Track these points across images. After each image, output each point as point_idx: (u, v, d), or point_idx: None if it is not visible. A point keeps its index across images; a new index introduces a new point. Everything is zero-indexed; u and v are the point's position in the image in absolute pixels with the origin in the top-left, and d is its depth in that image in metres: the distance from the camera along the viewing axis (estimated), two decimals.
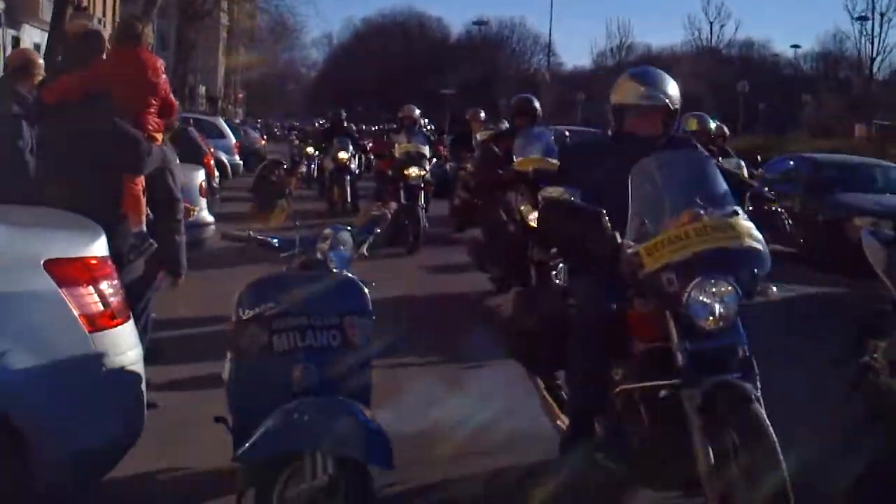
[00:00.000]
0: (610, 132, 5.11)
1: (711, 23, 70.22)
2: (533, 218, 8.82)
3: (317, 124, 38.34)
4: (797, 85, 65.86)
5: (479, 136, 15.57)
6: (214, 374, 4.95)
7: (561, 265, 5.14)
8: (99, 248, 4.15)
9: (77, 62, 6.26)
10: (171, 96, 6.49)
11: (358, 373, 4.19)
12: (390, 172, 15.93)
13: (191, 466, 5.11)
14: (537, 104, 10.66)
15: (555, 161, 9.24)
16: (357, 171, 20.48)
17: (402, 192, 14.70)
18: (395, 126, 18.99)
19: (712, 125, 11.91)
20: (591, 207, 4.32)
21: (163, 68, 6.38)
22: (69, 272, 3.93)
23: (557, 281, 5.12)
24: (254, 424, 3.90)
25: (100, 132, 5.79)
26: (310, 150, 25.61)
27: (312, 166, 25.71)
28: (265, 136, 43.36)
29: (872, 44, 59.37)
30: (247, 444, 3.82)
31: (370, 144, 25.51)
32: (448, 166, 18.60)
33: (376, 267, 4.52)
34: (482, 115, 17.92)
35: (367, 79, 75.09)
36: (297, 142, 32.85)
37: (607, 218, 4.27)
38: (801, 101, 57.66)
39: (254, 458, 3.86)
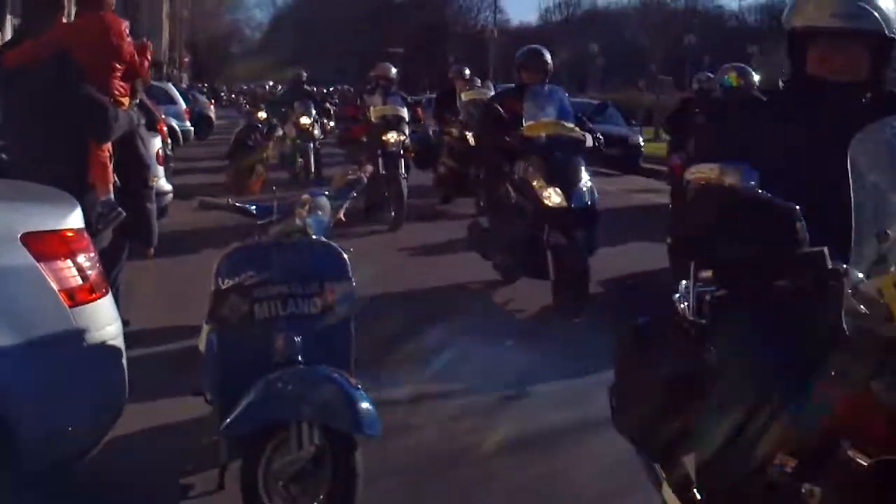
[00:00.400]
0: (781, 83, 3.46)
1: None
2: (548, 195, 7.87)
3: (266, 87, 36.53)
4: (742, 37, 66.16)
5: (463, 97, 14.41)
6: (188, 347, 4.92)
7: (684, 283, 3.25)
8: (75, 220, 4.07)
9: (37, 27, 6.13)
10: (136, 58, 6.38)
11: (341, 340, 4.17)
12: (365, 139, 14.33)
13: (170, 441, 5.05)
14: (548, 57, 8.94)
15: (570, 125, 8.25)
16: (321, 137, 18.99)
17: (380, 161, 12.81)
18: (369, 87, 16.40)
19: (755, 78, 10.01)
20: (781, 203, 2.54)
21: (127, 31, 6.28)
22: (47, 246, 3.85)
23: (683, 305, 3.26)
24: (236, 396, 3.87)
25: (64, 96, 5.70)
26: (262, 114, 23.34)
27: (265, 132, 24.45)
28: (213, 100, 42.73)
29: None
30: (231, 418, 3.80)
31: (333, 108, 23.92)
32: (430, 131, 16.54)
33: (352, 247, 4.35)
34: (467, 72, 16.21)
35: (313, 39, 74.30)
36: (246, 106, 30.16)
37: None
38: (746, 52, 57.90)
39: (239, 432, 3.84)
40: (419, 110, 17.50)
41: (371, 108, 14.07)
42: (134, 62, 6.32)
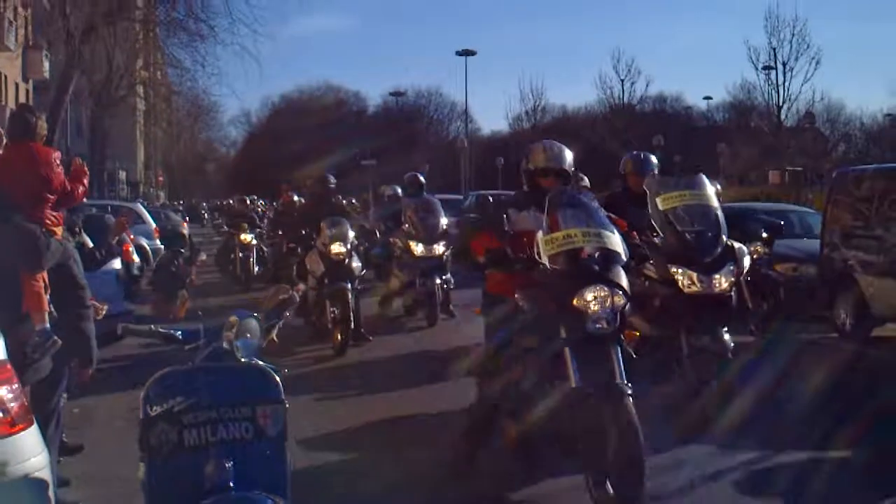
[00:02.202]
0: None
1: (623, 80, 71.31)
2: None
3: (248, 201, 30.17)
4: (711, 135, 67.20)
5: (660, 204, 8.07)
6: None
7: None
8: None
9: None
10: (68, 187, 6.31)
11: (274, 464, 4.06)
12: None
13: None
14: None
15: None
16: (362, 273, 12.94)
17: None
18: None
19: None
20: None
21: (58, 160, 6.24)
22: None
23: None
24: None
25: None
26: (246, 236, 20.93)
27: (251, 258, 20.69)
28: (187, 219, 42.75)
29: (778, 93, 60.90)
30: None
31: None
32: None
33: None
34: (654, 162, 9.11)
35: (287, 155, 74.92)
36: (224, 227, 26.77)
37: None
38: (716, 151, 58.79)
39: None
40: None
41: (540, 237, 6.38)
42: (66, 191, 6.27)
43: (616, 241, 6.14)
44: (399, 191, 17.37)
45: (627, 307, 6.04)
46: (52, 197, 6.10)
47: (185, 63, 37.79)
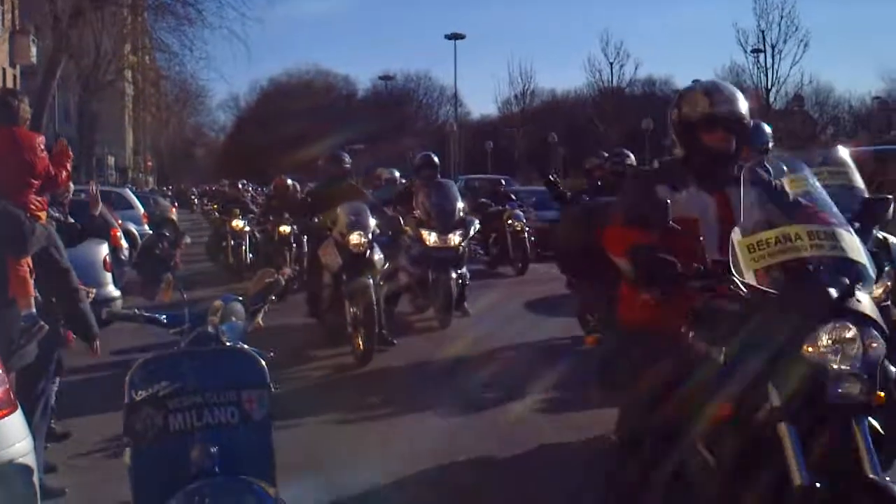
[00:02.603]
0: None
1: (611, 64, 71.10)
2: None
3: (240, 185, 28.65)
4: None
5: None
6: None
7: None
8: None
9: None
10: (52, 171, 6.28)
11: (260, 449, 4.05)
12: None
13: None
14: None
15: None
16: (384, 266, 11.33)
17: None
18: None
19: None
20: None
21: (42, 145, 6.21)
22: None
23: None
24: None
25: None
26: (238, 222, 19.73)
27: (244, 246, 19.41)
28: (176, 204, 42.64)
29: (767, 75, 61.03)
30: None
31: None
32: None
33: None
34: (768, 134, 7.27)
35: (276, 139, 74.67)
36: (215, 214, 25.13)
37: None
38: None
39: None
40: None
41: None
42: (50, 175, 6.24)
43: (857, 247, 3.86)
44: (397, 174, 16.41)
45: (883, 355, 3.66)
46: (36, 182, 6.07)
47: (174, 47, 37.81)
